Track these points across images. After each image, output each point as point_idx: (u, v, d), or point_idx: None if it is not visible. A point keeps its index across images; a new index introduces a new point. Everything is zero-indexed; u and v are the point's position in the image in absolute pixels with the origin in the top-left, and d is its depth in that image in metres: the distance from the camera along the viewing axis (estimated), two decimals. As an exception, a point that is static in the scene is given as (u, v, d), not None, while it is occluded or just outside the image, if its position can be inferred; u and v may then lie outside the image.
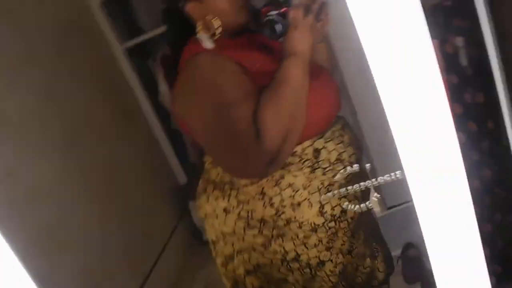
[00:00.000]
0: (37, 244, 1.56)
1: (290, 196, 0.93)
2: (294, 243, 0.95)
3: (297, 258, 0.97)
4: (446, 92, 1.05)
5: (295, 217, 0.94)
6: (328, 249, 0.97)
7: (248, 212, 0.95)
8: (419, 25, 0.45)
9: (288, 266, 0.97)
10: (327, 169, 0.94)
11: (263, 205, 0.94)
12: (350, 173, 0.94)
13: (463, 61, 0.95)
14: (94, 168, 2.13)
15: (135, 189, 2.45)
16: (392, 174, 0.72)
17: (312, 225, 0.94)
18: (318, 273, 0.98)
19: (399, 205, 1.85)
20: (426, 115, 0.47)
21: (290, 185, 0.93)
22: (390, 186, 1.78)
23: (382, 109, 0.49)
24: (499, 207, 1.08)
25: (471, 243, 0.55)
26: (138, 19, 2.90)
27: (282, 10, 0.91)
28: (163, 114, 2.81)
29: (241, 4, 0.97)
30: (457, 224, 0.54)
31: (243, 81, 0.89)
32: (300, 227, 0.94)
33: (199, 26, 0.94)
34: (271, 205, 0.94)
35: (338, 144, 0.96)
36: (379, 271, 1.14)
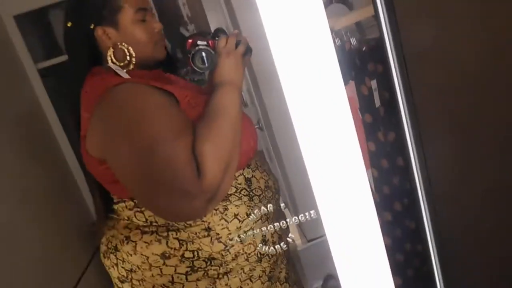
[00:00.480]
0: None
1: (237, 228, 0.87)
2: (240, 279, 0.89)
3: None
4: (361, 130, 1.11)
5: (243, 249, 0.88)
6: (269, 278, 0.93)
7: (193, 252, 0.86)
8: (332, 68, 0.47)
9: None
10: (261, 196, 0.92)
11: (211, 241, 0.86)
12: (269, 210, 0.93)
13: (377, 102, 1.03)
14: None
15: (40, 227, 2.23)
16: (307, 214, 0.74)
17: (258, 255, 0.90)
18: None
19: (319, 237, 1.90)
20: (339, 155, 0.48)
21: (235, 215, 0.87)
22: (310, 220, 1.85)
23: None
24: (409, 238, 1.14)
25: (382, 274, 0.57)
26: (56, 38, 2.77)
27: (210, 42, 0.89)
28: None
29: (159, 38, 0.92)
30: (369, 257, 0.55)
31: (177, 113, 0.82)
32: (247, 259, 0.89)
33: (110, 54, 0.87)
34: (219, 239, 0.86)
35: (262, 172, 0.95)
36: None
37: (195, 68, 0.89)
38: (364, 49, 1.03)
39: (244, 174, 0.90)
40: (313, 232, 1.91)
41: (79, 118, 0.88)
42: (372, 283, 0.57)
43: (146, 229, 0.87)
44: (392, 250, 1.12)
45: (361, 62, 1.04)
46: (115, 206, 0.91)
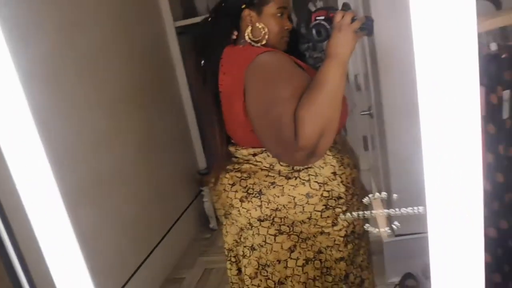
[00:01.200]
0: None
1: (350, 174, 1.09)
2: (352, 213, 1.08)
3: (353, 230, 1.11)
4: (482, 140, 1.07)
5: (355, 190, 1.10)
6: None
7: (328, 192, 1.05)
8: (471, 71, 0.47)
9: (346, 241, 1.09)
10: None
11: (337, 184, 1.06)
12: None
13: (505, 113, 0.97)
14: (131, 131, 2.22)
15: (157, 164, 2.53)
16: (415, 208, 0.75)
17: (362, 195, 1.11)
18: (361, 242, 1.15)
19: (407, 234, 1.86)
20: (459, 159, 0.50)
21: (348, 164, 1.09)
22: (401, 216, 1.81)
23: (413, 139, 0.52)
24: (510, 258, 1.09)
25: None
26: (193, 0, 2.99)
27: (331, 15, 0.97)
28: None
29: (285, 34, 1.10)
30: (466, 269, 0.56)
31: (304, 77, 0.98)
32: (357, 199, 1.11)
33: (248, 31, 1.07)
34: (342, 182, 1.06)
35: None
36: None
37: (311, 40, 0.99)
38: (504, 56, 0.97)
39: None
40: (403, 228, 1.87)
41: (217, 77, 1.06)
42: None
43: (290, 175, 1.05)
44: (491, 268, 1.08)
45: (497, 69, 0.98)
46: (255, 157, 1.09)
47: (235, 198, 1.10)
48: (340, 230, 1.09)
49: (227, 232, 1.18)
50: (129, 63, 2.33)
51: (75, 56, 1.86)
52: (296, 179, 1.05)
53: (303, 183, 1.05)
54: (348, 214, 1.07)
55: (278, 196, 1.06)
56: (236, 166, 1.12)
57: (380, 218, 2.45)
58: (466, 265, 0.55)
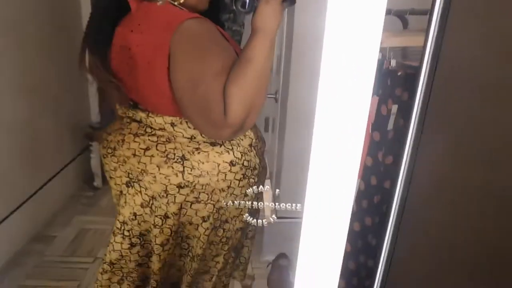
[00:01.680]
0: None
1: (260, 148, 1.16)
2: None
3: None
4: (365, 143, 1.17)
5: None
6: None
7: (248, 162, 1.08)
8: (368, 80, 0.52)
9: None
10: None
11: (254, 155, 1.10)
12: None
13: (390, 125, 1.07)
14: (12, 68, 1.97)
15: (42, 106, 2.30)
16: (294, 205, 0.81)
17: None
18: None
19: (287, 218, 1.98)
20: (342, 156, 0.54)
21: (260, 137, 1.17)
22: (285, 200, 1.93)
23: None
24: (366, 252, 1.22)
25: (331, 275, 0.64)
26: None
27: None
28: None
29: None
30: (328, 256, 0.62)
31: (232, 51, 0.95)
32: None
33: None
34: (257, 154, 1.12)
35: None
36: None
37: (235, 12, 0.94)
38: (399, 73, 1.07)
39: None
40: (284, 212, 1.99)
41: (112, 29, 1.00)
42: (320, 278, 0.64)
43: (214, 142, 1.04)
44: (349, 256, 1.21)
45: (391, 84, 1.08)
46: (173, 127, 1.03)
47: (151, 163, 1.03)
48: (248, 199, 1.12)
49: (125, 203, 1.10)
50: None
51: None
52: (221, 146, 1.05)
53: (228, 151, 1.05)
54: (242, 202, 1.11)
55: (203, 163, 1.03)
56: (149, 130, 1.05)
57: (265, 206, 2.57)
58: (329, 250, 0.62)
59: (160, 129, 1.04)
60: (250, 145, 1.10)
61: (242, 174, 1.07)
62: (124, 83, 1.02)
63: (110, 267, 1.17)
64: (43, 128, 2.32)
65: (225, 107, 0.88)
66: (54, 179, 2.44)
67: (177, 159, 1.02)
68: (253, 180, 1.11)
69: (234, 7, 0.94)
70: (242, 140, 1.09)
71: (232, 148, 1.06)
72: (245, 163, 1.08)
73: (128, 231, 1.12)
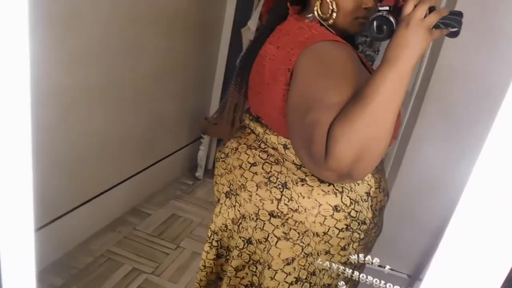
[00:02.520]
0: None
1: (381, 200, 0.98)
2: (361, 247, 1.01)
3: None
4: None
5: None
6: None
7: (357, 212, 0.92)
8: None
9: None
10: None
11: (367, 207, 0.94)
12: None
13: None
14: (153, 53, 2.14)
15: (173, 95, 2.45)
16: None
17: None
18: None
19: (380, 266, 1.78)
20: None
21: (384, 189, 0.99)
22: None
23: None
24: None
25: None
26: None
27: (400, 4, 0.74)
28: (235, 48, 2.77)
29: (362, 15, 0.88)
30: None
31: (355, 83, 0.75)
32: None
33: (317, 5, 0.89)
34: (371, 207, 0.96)
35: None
36: None
37: (370, 35, 0.78)
38: None
39: None
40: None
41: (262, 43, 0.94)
42: None
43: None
44: None
45: None
46: (285, 150, 0.93)
47: (251, 181, 0.93)
48: (344, 256, 0.95)
49: (219, 212, 1.03)
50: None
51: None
52: (329, 185, 0.89)
53: (335, 193, 0.89)
54: (329, 263, 0.89)
55: (303, 197, 0.89)
56: (262, 146, 0.96)
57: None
58: None
59: (273, 148, 0.94)
60: (367, 194, 0.93)
61: (346, 225, 0.90)
62: (252, 94, 0.98)
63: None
64: (166, 113, 2.48)
65: (327, 148, 0.70)
66: (163, 161, 2.59)
67: (278, 184, 0.91)
68: (357, 236, 0.92)
69: (368, 32, 0.78)
70: (358, 185, 0.92)
71: (342, 191, 0.90)
72: (353, 213, 0.90)
73: (217, 241, 1.06)
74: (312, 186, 0.90)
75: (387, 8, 0.75)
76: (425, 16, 0.71)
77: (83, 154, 1.87)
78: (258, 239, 0.96)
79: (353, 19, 0.88)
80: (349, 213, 0.90)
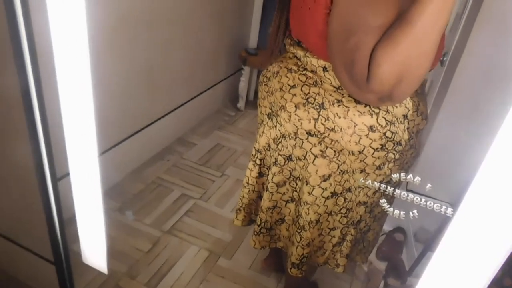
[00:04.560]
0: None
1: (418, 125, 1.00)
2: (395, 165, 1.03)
3: None
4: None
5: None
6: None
7: (392, 133, 0.94)
8: None
9: None
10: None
11: (403, 129, 0.97)
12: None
13: None
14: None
15: (209, 26, 2.43)
16: (444, 207, 0.67)
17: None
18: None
19: (420, 194, 1.80)
20: None
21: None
22: (421, 174, 1.73)
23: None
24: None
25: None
26: None
27: None
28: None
29: None
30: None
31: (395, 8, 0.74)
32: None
33: None
34: (408, 129, 0.98)
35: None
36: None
37: None
38: None
39: None
40: (420, 186, 1.80)
41: None
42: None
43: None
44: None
45: None
46: (324, 73, 0.94)
47: (290, 102, 0.98)
48: (380, 175, 0.99)
49: (263, 133, 1.11)
50: None
51: None
52: (365, 106, 0.92)
53: (371, 114, 0.92)
54: (370, 181, 0.98)
55: (340, 117, 0.93)
56: (301, 69, 0.98)
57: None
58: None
59: (312, 71, 0.97)
60: (404, 116, 0.95)
61: (381, 145, 0.94)
62: (294, 18, 0.97)
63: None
64: (207, 45, 2.47)
65: (369, 69, 0.73)
66: (206, 92, 2.63)
67: (316, 105, 0.95)
68: (392, 156, 0.96)
69: None
70: (395, 107, 0.94)
71: (378, 112, 0.92)
72: (388, 134, 0.93)
73: (261, 160, 1.14)
74: (348, 107, 0.93)
75: None
76: None
77: (132, 85, 1.94)
78: (298, 156, 1.02)
79: None
80: (384, 134, 0.93)
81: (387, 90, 0.74)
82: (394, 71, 0.71)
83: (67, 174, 0.85)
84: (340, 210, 1.07)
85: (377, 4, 0.74)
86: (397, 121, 0.94)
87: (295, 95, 0.98)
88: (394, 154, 0.96)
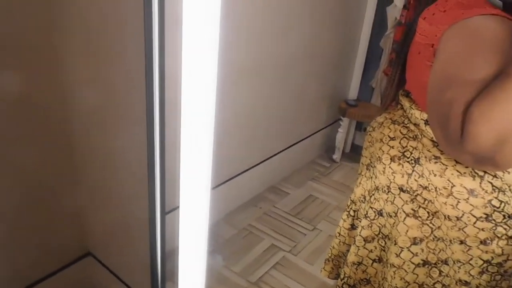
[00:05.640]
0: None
1: None
2: None
3: None
4: None
5: None
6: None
7: (501, 202, 0.82)
8: None
9: None
10: None
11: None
12: None
13: None
14: (296, 38, 2.15)
15: (314, 77, 2.45)
16: None
17: None
18: None
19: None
20: None
21: None
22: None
23: None
24: None
25: None
26: None
27: None
28: (377, 27, 2.62)
29: None
30: None
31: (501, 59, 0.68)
32: None
33: None
34: (506, 192, 0.82)
35: None
36: None
37: None
38: None
39: None
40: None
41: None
42: None
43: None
44: None
45: None
46: (426, 126, 0.88)
47: (387, 154, 0.94)
48: (487, 252, 0.85)
49: (360, 183, 1.06)
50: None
51: None
52: (467, 167, 0.82)
53: (473, 176, 0.82)
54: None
55: (435, 175, 0.85)
56: (406, 122, 0.94)
57: None
58: None
59: (415, 123, 0.91)
60: None
61: (485, 214, 0.81)
62: (407, 69, 0.94)
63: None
64: (307, 94, 2.48)
65: (464, 127, 0.65)
66: (302, 141, 2.61)
67: (411, 159, 0.89)
68: (502, 231, 0.81)
69: None
70: (507, 173, 0.81)
71: (483, 176, 0.81)
72: (495, 202, 0.80)
73: (355, 211, 1.09)
74: (446, 165, 0.84)
75: None
76: None
77: (232, 132, 2.00)
78: (388, 212, 0.95)
79: None
80: (489, 201, 0.80)
81: (484, 151, 0.65)
82: (492, 131, 0.63)
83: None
84: (434, 284, 0.93)
85: (479, 57, 0.68)
86: (509, 189, 0.81)
87: (392, 147, 0.93)
88: (505, 229, 0.81)
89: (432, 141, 0.87)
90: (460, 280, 0.90)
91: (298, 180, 2.55)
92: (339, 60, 2.65)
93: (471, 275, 0.88)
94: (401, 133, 0.94)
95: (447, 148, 0.74)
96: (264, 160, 2.32)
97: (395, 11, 2.45)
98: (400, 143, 0.93)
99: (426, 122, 0.88)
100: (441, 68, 0.74)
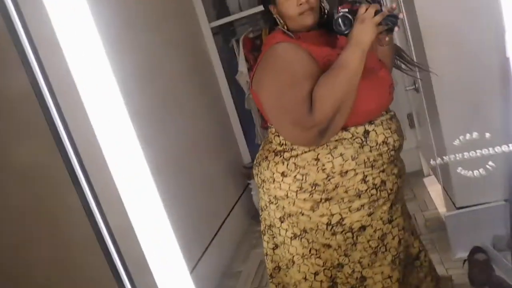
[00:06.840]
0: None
1: (340, 164, 1.12)
2: (339, 207, 1.14)
3: (341, 222, 1.15)
4: None
5: (342, 182, 1.12)
6: (369, 214, 1.15)
7: (303, 175, 1.13)
8: None
9: (332, 230, 1.16)
10: (373, 148, 1.13)
11: (316, 170, 1.12)
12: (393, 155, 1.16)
13: None
14: (177, 136, 2.27)
15: (206, 160, 2.57)
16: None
17: (357, 190, 1.13)
18: (359, 238, 1.16)
19: (470, 206, 1.79)
20: None
21: (341, 154, 1.12)
22: (461, 187, 1.73)
23: None
24: None
25: None
26: (226, 1, 3.03)
27: (355, 8, 1.05)
28: (237, 95, 2.94)
29: (305, 9, 1.11)
30: None
31: (310, 66, 1.08)
32: (346, 191, 1.13)
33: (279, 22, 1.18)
34: (323, 170, 1.12)
35: (386, 130, 1.14)
36: (413, 246, 1.33)
37: (336, 31, 1.08)
38: None
39: (365, 127, 1.13)
40: (465, 200, 1.81)
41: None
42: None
43: (278, 152, 1.18)
44: None
45: None
46: (269, 130, 1.24)
47: (269, 170, 1.24)
48: (322, 216, 1.15)
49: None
50: (174, 67, 2.39)
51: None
52: (280, 157, 1.17)
53: (283, 162, 1.16)
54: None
55: (265, 169, 1.20)
56: (267, 146, 1.27)
57: (435, 194, 2.38)
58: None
59: (269, 142, 1.23)
60: (316, 159, 1.13)
61: (298, 187, 1.14)
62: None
63: None
64: (210, 176, 2.57)
65: (313, 107, 1.02)
66: (227, 220, 2.65)
67: (256, 163, 1.27)
68: (318, 196, 1.14)
69: (335, 27, 1.08)
70: (306, 153, 1.13)
71: (289, 159, 1.15)
72: (298, 176, 1.14)
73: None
74: (269, 160, 1.21)
75: (346, 9, 1.06)
76: (373, 16, 1.02)
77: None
78: (264, 205, 1.31)
79: (298, 16, 1.13)
80: (294, 177, 1.15)
81: (327, 120, 1.04)
82: (333, 103, 1.03)
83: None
84: (310, 251, 1.23)
85: (287, 69, 1.09)
86: (307, 163, 1.13)
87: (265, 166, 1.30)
88: (318, 194, 1.13)
89: (269, 141, 1.23)
90: (323, 244, 1.20)
91: (243, 255, 2.56)
92: (221, 139, 2.84)
93: (328, 238, 1.18)
94: (268, 151, 1.24)
95: (299, 135, 1.09)
96: (202, 256, 2.27)
97: (243, 77, 2.80)
98: (258, 155, 1.28)
99: (273, 133, 1.21)
100: (267, 87, 1.13)
